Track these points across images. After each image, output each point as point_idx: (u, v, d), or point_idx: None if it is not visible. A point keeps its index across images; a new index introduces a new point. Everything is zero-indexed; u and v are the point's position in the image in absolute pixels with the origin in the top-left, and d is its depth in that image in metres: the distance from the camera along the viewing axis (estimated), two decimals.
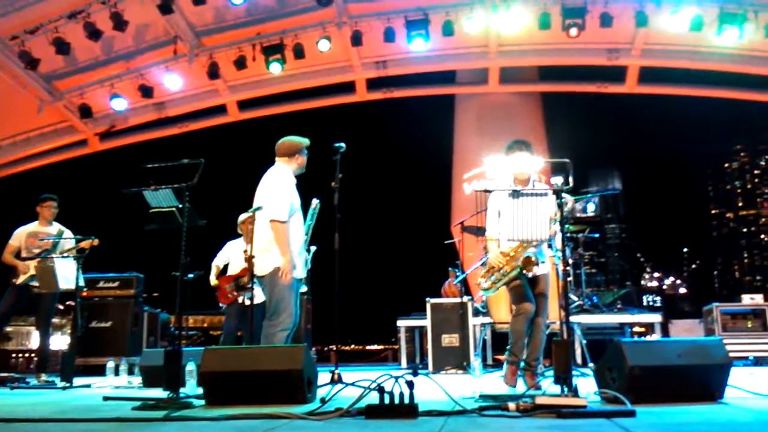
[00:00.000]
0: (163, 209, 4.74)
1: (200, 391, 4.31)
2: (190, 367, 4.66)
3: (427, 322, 8.26)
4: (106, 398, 4.80)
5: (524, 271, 4.94)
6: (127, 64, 11.18)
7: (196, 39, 11.02)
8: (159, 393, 4.46)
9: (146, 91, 11.11)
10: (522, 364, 5.15)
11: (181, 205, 4.63)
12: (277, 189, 5.09)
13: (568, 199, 5.01)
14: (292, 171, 5.29)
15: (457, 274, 9.15)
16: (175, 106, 12.16)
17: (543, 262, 5.07)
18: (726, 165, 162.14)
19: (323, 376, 4.95)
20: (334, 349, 5.87)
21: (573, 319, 8.37)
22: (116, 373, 6.55)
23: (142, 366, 6.25)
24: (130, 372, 6.77)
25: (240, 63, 10.82)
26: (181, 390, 4.27)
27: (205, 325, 10.79)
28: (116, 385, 6.33)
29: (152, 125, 12.53)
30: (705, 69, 11.28)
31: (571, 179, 4.60)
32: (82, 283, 6.78)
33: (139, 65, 11.15)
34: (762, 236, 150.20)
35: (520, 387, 4.96)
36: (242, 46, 10.86)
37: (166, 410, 3.69)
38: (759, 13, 9.87)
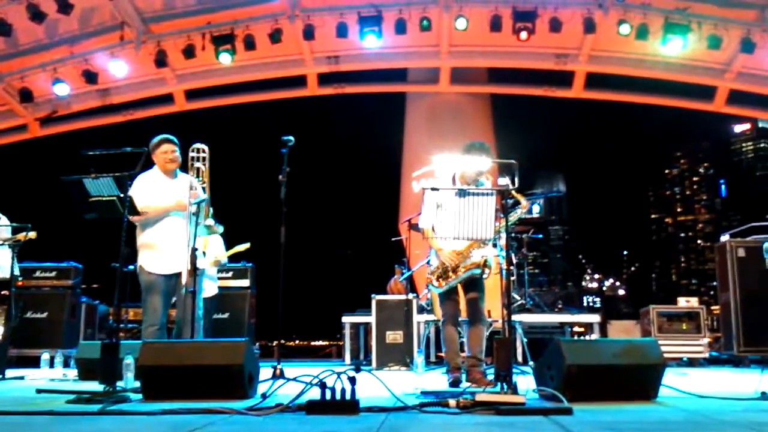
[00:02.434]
0: (104, 198, 4.62)
1: (138, 384, 4.22)
2: (128, 360, 4.55)
3: (371, 319, 8.28)
4: (39, 391, 4.66)
5: (483, 275, 5.02)
6: (71, 48, 10.87)
7: (143, 25, 10.78)
8: (95, 386, 4.35)
9: (90, 77, 10.82)
10: (463, 366, 5.25)
11: (122, 195, 4.53)
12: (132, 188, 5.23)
13: (524, 203, 5.10)
14: (159, 168, 5.34)
15: (403, 271, 9.18)
16: (120, 93, 11.87)
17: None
18: (666, 171, 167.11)
19: (266, 372, 4.91)
20: (277, 344, 5.82)
21: (515, 318, 8.49)
22: (51, 365, 6.38)
23: (78, 358, 6.09)
24: (66, 364, 6.60)
25: (189, 52, 10.63)
26: (118, 384, 4.18)
27: None
28: (51, 377, 6.16)
29: (96, 112, 12.20)
30: (650, 77, 11.57)
31: (516, 180, 4.66)
32: (17, 272, 6.57)
33: (84, 50, 10.86)
34: (699, 241, 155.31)
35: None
36: (191, 35, 10.66)
37: (101, 404, 3.60)
38: (702, 24, 10.19)
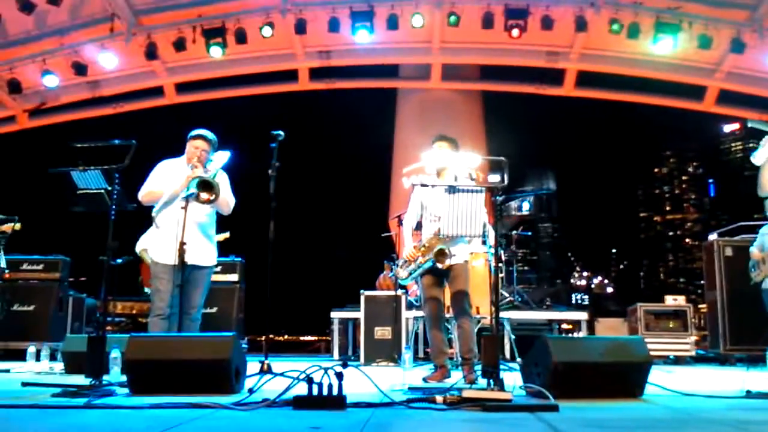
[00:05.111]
0: (91, 191, 4.59)
1: (124, 378, 4.21)
2: (115, 354, 4.54)
3: (360, 314, 8.28)
4: (25, 384, 4.63)
5: (437, 263, 5.02)
6: (61, 39, 10.80)
7: (134, 18, 10.72)
8: (81, 380, 4.33)
9: (80, 69, 10.76)
10: (450, 364, 5.29)
11: (110, 188, 4.50)
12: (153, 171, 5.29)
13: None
14: (186, 160, 5.23)
15: (392, 267, 9.18)
16: (110, 85, 11.81)
17: (455, 255, 5.13)
18: (656, 170, 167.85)
19: (253, 366, 4.90)
20: (265, 339, 5.81)
21: (503, 314, 8.52)
22: (37, 358, 6.34)
23: (65, 352, 6.06)
24: (52, 358, 6.56)
25: (179, 45, 10.58)
26: (105, 377, 4.17)
27: (134, 311, 10.53)
28: (37, 370, 6.13)
29: (85, 104, 12.14)
30: (640, 76, 11.61)
31: (506, 177, 4.67)
32: (4, 264, 6.53)
33: (74, 41, 10.79)
34: (687, 240, 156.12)
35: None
36: (182, 28, 10.62)
37: (87, 397, 3.58)
38: (693, 24, 10.23)
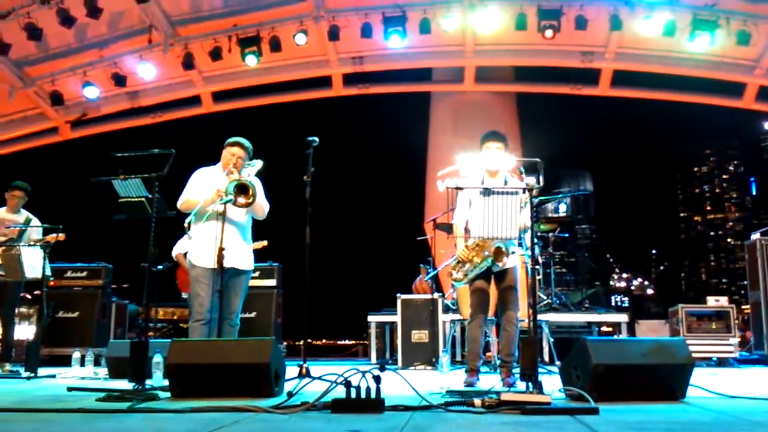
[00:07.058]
0: (132, 199, 4.69)
1: (166, 383, 4.28)
2: (157, 358, 4.62)
3: (397, 318, 8.29)
4: (70, 389, 4.74)
5: (496, 262, 4.97)
6: (101, 52, 11.03)
7: (171, 28, 10.90)
8: (125, 384, 4.42)
9: (119, 80, 10.97)
10: (482, 366, 5.25)
11: (150, 196, 4.59)
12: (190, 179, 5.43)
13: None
14: (222, 166, 5.36)
15: (429, 270, 9.18)
16: (149, 95, 12.03)
17: (513, 253, 5.09)
18: (695, 169, 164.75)
19: (292, 370, 4.95)
20: (303, 343, 5.85)
21: (541, 317, 8.45)
22: (82, 363, 6.48)
23: (109, 357, 6.18)
24: (96, 363, 6.70)
25: (215, 54, 10.74)
26: (147, 382, 4.25)
27: (175, 317, 10.70)
28: (81, 375, 6.26)
29: (125, 114, 12.39)
30: (677, 74, 11.43)
31: (542, 179, 4.63)
32: (48, 272, 6.68)
33: (113, 53, 11.01)
34: (729, 240, 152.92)
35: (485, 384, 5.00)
36: (218, 37, 10.77)
37: (130, 402, 3.66)
38: (731, 20, 10.04)
